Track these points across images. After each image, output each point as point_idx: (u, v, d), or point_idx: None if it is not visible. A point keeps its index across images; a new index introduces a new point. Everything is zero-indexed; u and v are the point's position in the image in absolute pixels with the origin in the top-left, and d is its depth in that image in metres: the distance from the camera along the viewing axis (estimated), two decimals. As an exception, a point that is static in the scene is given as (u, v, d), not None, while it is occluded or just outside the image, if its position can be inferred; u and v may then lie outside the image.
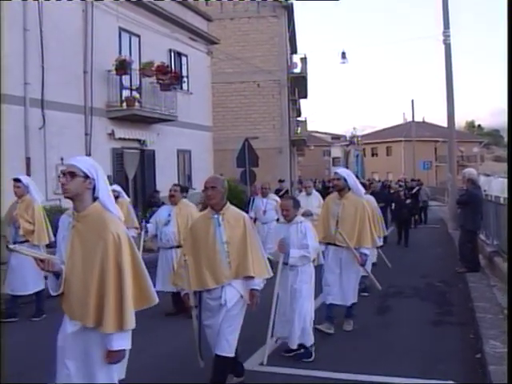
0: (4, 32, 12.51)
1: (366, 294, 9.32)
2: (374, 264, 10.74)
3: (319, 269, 7.21)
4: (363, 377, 5.62)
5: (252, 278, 5.00)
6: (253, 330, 6.15)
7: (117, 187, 10.81)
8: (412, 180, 27.01)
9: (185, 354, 6.02)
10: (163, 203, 17.48)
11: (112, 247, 3.50)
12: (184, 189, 8.87)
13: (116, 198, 10.23)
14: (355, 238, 7.21)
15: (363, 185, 12.40)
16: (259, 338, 6.28)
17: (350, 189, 7.35)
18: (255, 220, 12.50)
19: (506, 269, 9.32)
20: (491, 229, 12.57)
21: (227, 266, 5.00)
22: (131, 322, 3.50)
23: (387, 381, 5.51)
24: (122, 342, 3.51)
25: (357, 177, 26.78)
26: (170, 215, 8.58)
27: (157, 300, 3.74)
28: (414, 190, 22.04)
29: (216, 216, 5.12)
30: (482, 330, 6.68)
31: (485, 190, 14.91)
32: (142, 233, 8.99)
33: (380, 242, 9.81)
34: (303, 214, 11.01)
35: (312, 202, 12.51)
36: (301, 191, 13.74)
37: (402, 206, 16.97)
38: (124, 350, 3.55)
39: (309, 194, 12.84)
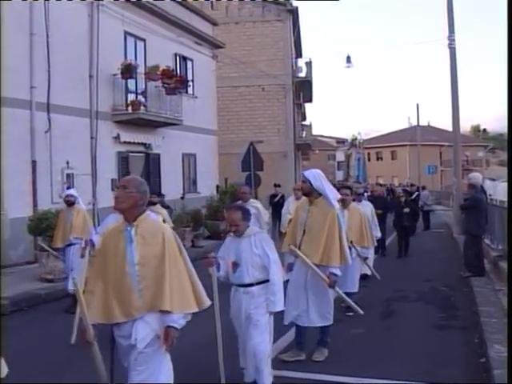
0: (4, 32, 12.59)
1: (350, 313, 7.99)
2: (366, 276, 10.33)
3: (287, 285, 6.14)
4: (367, 380, 5.62)
5: (169, 312, 3.89)
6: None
7: (74, 192, 9.79)
8: (411, 185, 26.62)
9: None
10: (168, 207, 17.59)
11: None
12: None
13: (72, 204, 9.37)
14: (320, 253, 6.13)
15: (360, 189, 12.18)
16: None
17: (320, 194, 6.29)
18: None
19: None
20: (496, 233, 12.54)
21: (138, 294, 3.93)
22: None
23: (391, 385, 5.52)
24: None
25: (358, 181, 24.67)
26: None
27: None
28: (414, 196, 21.74)
29: (128, 229, 4.04)
30: (487, 335, 6.67)
31: (490, 195, 14.91)
32: (88, 248, 7.58)
33: (369, 254, 9.32)
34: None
35: None
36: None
37: (400, 214, 15.54)
38: None
39: (297, 198, 11.07)
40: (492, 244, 12.95)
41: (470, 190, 11.61)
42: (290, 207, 11.56)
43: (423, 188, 27.78)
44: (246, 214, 5.29)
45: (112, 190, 16.37)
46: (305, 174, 6.42)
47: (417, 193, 22.80)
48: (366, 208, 10.95)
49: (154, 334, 3.93)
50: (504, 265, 10.38)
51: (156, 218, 4.31)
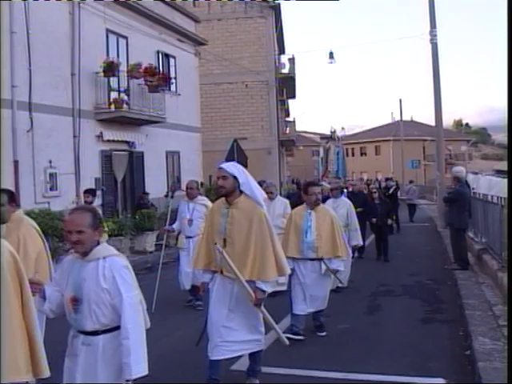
0: (4, 32, 12.49)
1: (322, 333, 7.19)
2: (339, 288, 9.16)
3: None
4: (354, 375, 5.65)
5: None
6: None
7: None
8: (387, 179, 26.13)
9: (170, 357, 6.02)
10: (152, 205, 17.54)
11: None
12: (13, 197, 5.68)
13: None
14: (249, 266, 4.98)
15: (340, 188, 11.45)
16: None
17: (241, 192, 5.13)
18: (179, 233, 9.37)
19: (494, 266, 9.43)
20: (479, 226, 12.64)
21: None
22: None
23: (378, 379, 5.54)
24: None
25: (337, 176, 23.51)
26: None
27: None
28: (391, 191, 21.49)
29: None
30: (471, 327, 6.73)
31: (473, 188, 15.01)
32: None
33: (341, 267, 7.23)
34: None
35: (274, 209, 9.47)
36: None
37: (373, 212, 13.82)
38: None
39: (271, 198, 9.53)
40: (475, 237, 13.05)
41: (455, 182, 11.69)
42: None
43: (410, 182, 27.83)
44: (96, 221, 3.69)
45: (96, 189, 16.29)
46: (226, 168, 5.12)
47: (394, 187, 22.56)
48: (343, 207, 10.40)
49: None
50: (487, 257, 10.48)
51: None
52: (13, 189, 13.11)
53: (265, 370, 5.71)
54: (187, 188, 8.95)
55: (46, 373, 3.00)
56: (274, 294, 8.42)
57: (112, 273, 3.52)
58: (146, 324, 3.67)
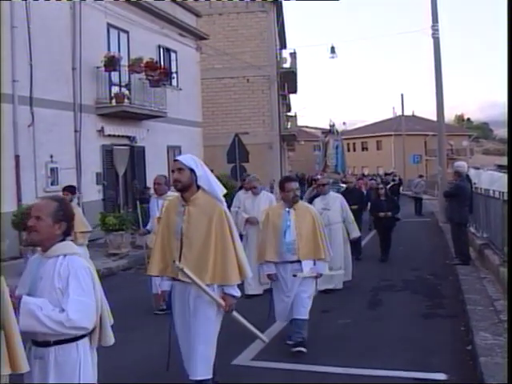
0: (4, 31, 12.47)
1: (302, 349, 6.17)
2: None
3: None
4: (355, 370, 5.64)
5: None
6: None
7: None
8: (386, 174, 26.11)
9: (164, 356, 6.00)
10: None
11: None
12: None
13: None
14: (210, 270, 4.52)
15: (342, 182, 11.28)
16: (250, 333, 6.29)
17: (199, 187, 4.68)
18: (149, 232, 8.41)
19: (496, 261, 9.41)
20: (481, 221, 12.62)
21: None
22: None
23: (379, 374, 5.53)
24: None
25: (336, 172, 23.72)
26: None
27: None
28: (389, 186, 21.37)
29: None
30: (473, 322, 6.72)
31: (475, 183, 14.99)
32: None
33: (325, 270, 6.55)
34: (247, 222, 9.15)
35: (259, 205, 8.98)
36: (247, 190, 9.67)
37: (377, 209, 13.13)
38: None
39: (255, 194, 9.29)
40: (477, 232, 13.03)
41: (455, 177, 11.69)
42: (243, 202, 9.48)
43: (420, 176, 27.85)
44: (59, 213, 3.26)
45: (97, 183, 16.33)
46: (182, 160, 4.69)
47: (393, 182, 22.46)
48: (335, 201, 9.72)
49: None
50: (489, 252, 10.47)
51: None
52: (14, 183, 13.18)
53: (265, 365, 5.72)
54: (155, 183, 8.21)
55: (25, 367, 2.81)
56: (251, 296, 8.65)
57: (68, 272, 3.10)
58: (107, 341, 3.31)
